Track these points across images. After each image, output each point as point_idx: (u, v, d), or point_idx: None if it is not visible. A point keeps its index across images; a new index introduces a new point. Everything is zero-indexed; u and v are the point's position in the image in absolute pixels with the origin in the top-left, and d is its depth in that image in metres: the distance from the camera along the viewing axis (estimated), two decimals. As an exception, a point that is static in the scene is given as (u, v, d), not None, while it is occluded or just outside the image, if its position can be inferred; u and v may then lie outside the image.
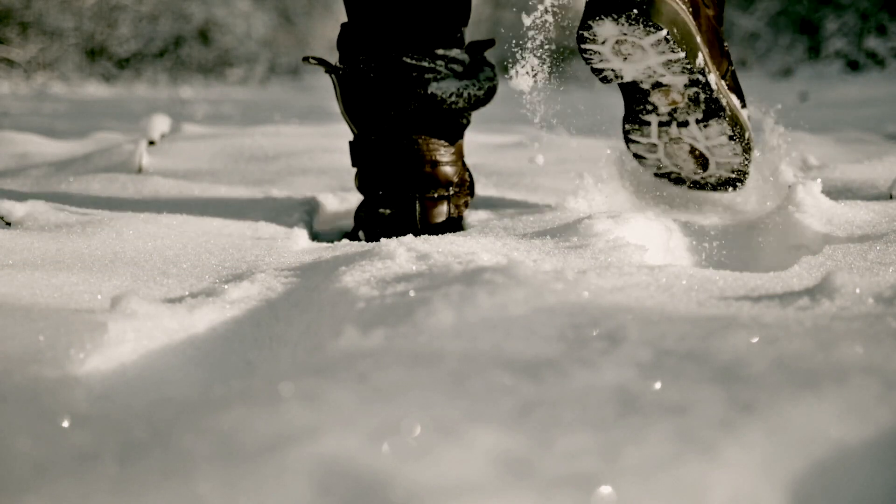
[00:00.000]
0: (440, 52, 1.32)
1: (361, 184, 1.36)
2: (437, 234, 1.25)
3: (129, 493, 0.43)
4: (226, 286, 0.95)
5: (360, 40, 1.33)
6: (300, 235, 1.33)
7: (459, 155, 1.38)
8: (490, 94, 1.40)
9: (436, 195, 1.34)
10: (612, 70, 1.27)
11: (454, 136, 1.36)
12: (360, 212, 1.38)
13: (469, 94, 1.34)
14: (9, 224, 1.34)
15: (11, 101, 7.17)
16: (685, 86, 1.29)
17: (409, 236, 1.13)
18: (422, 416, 0.48)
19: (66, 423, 0.53)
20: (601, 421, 0.48)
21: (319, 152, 2.23)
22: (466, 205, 1.41)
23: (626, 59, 1.25)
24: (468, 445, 0.45)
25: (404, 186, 1.32)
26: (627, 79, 1.29)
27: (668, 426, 0.47)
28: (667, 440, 0.46)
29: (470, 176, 1.42)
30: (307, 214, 1.52)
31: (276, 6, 15.70)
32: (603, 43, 1.22)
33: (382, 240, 1.08)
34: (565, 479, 0.42)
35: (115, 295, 0.83)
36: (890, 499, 0.45)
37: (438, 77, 1.31)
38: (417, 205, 1.33)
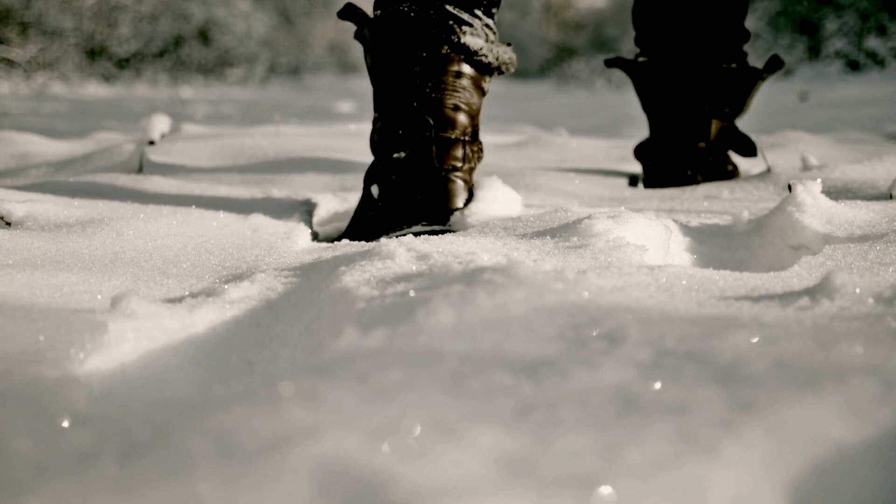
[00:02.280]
0: (479, 13, 1.40)
1: (381, 130, 1.40)
2: (448, 185, 1.33)
3: (129, 493, 0.43)
4: (226, 286, 0.95)
5: None
6: (300, 235, 1.33)
7: (476, 115, 1.42)
8: (512, 63, 1.47)
9: (452, 136, 1.37)
10: None
11: (475, 93, 1.41)
12: (376, 165, 1.40)
13: (498, 53, 1.41)
14: (9, 224, 1.33)
15: (11, 101, 7.18)
16: None
17: (409, 236, 1.13)
18: (422, 415, 0.48)
19: (66, 423, 0.53)
20: (601, 421, 0.48)
21: (319, 152, 2.23)
22: (480, 159, 1.43)
23: None
24: (468, 445, 0.45)
25: (424, 123, 1.36)
26: None
27: (668, 426, 0.47)
28: (667, 440, 0.46)
29: (480, 142, 1.46)
30: (307, 214, 1.52)
31: (276, 6, 15.70)
32: None
33: (382, 239, 1.08)
34: (565, 479, 0.42)
35: (115, 295, 0.83)
36: (890, 499, 0.45)
37: (474, 32, 1.39)
38: (434, 147, 1.35)
